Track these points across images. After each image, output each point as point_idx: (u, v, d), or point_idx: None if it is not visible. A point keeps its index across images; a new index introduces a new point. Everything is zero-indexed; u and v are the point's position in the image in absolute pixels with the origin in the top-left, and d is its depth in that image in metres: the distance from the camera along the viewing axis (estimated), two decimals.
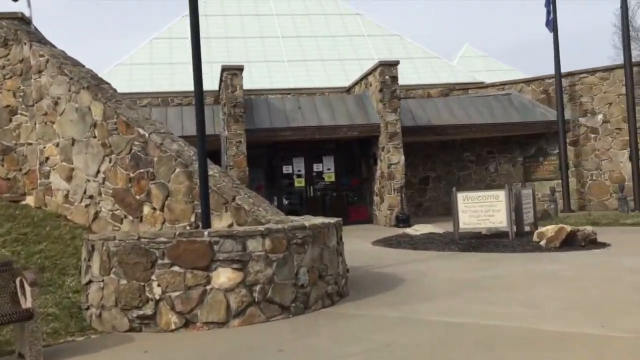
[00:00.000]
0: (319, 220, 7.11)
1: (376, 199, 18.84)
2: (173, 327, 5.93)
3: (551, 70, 19.93)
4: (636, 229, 13.04)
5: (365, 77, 19.43)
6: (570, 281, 7.17)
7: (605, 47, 66.04)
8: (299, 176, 19.11)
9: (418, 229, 13.08)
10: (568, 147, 19.87)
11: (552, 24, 20.10)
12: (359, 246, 12.54)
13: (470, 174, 21.80)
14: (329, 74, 22.43)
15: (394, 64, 18.01)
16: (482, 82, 22.49)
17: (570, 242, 10.19)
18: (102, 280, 6.22)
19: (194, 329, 5.92)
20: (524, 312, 5.82)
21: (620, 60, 20.24)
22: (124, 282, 6.07)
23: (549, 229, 10.29)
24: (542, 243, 10.26)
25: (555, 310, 5.79)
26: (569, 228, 10.16)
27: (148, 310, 5.97)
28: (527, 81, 21.27)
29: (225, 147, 17.33)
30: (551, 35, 20.01)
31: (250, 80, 21.20)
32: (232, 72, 17.26)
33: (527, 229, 11.69)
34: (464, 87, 22.12)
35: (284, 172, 19.16)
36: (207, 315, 5.94)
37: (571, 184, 19.84)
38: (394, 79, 17.87)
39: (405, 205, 17.76)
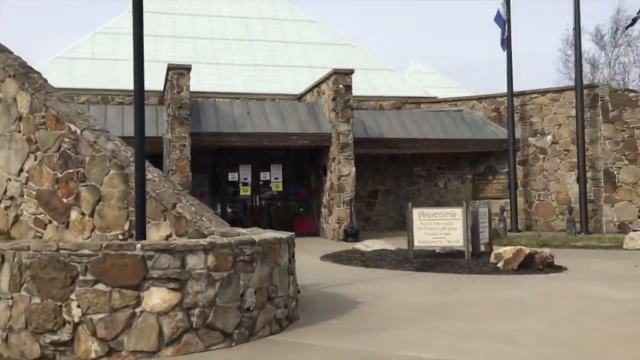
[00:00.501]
0: (269, 234, 6.37)
1: (324, 211, 18.21)
2: (93, 355, 5.04)
3: (500, 89, 19.91)
4: (587, 252, 12.87)
5: (318, 84, 18.84)
6: (540, 311, 6.68)
7: (549, 71, 68.02)
8: (244, 184, 18.28)
9: (369, 245, 12.49)
10: (517, 166, 19.82)
11: (506, 43, 20.10)
12: (308, 261, 11.82)
13: (419, 189, 21.50)
14: (280, 80, 21.73)
15: (349, 72, 17.49)
16: (434, 97, 22.30)
17: (527, 264, 9.80)
18: (11, 298, 5.28)
19: (118, 358, 5.05)
20: (496, 348, 5.23)
21: (564, 83, 20.60)
22: (37, 300, 5.15)
23: (507, 250, 9.87)
24: (500, 265, 9.83)
25: (531, 347, 5.23)
26: (527, 250, 9.77)
27: (64, 335, 5.07)
28: (479, 98, 21.18)
29: (168, 151, 16.33)
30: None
31: (198, 82, 20.25)
32: (178, 72, 16.32)
33: (482, 248, 11.27)
34: (417, 101, 21.85)
35: (230, 179, 18.29)
36: (135, 343, 5.09)
37: (519, 203, 19.78)
38: (348, 88, 17.35)
39: (355, 218, 17.19)
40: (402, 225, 21.73)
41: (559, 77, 36.81)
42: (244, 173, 18.30)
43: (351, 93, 17.39)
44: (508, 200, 20.05)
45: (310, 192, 19.32)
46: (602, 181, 19.03)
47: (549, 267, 10.00)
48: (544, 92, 20.32)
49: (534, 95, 20.30)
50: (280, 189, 18.54)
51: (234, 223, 18.99)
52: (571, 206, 17.96)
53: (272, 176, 18.51)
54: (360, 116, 19.48)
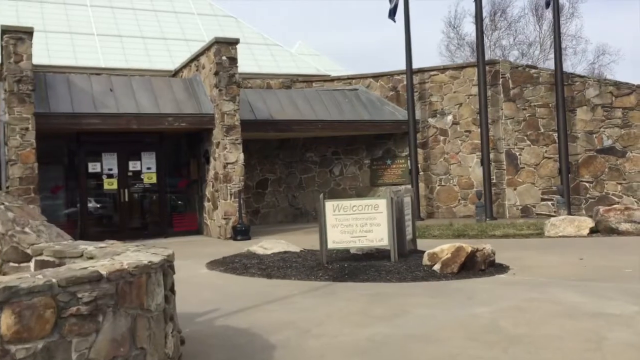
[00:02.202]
0: (132, 258, 3.79)
1: (208, 205, 15.57)
2: None
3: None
4: (511, 243, 11.40)
5: (196, 57, 16.07)
6: (532, 344, 4.69)
7: (432, 57, 68.68)
8: (109, 176, 15.15)
9: (268, 247, 10.14)
10: (417, 149, 18.33)
11: (394, 12, 18.51)
12: (190, 271, 9.27)
13: (313, 176, 19.43)
14: (150, 55, 18.64)
15: (233, 42, 14.93)
16: (327, 75, 20.28)
17: (468, 265, 7.96)
18: None
19: None
20: None
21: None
22: None
23: (444, 250, 7.96)
24: (437, 268, 7.90)
25: None
26: (468, 248, 7.91)
27: None
28: (376, 76, 19.45)
29: (6, 136, 12.91)
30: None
31: (48, 54, 16.78)
32: (16, 36, 12.89)
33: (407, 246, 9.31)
34: (308, 80, 19.71)
35: (91, 170, 15.07)
36: None
37: (419, 189, 18.33)
38: (233, 60, 14.79)
39: (244, 213, 14.75)
40: (296, 218, 19.65)
41: (442, 62, 36.39)
42: (109, 163, 15.17)
43: (236, 66, 14.86)
44: (409, 187, 18.53)
45: (190, 184, 16.56)
46: (505, 163, 18.04)
47: (492, 266, 8.24)
48: (443, 69, 18.99)
49: (433, 73, 18.90)
50: (154, 180, 15.62)
51: (98, 224, 15.91)
52: (480, 191, 16.70)
53: (144, 166, 15.53)
54: (245, 96, 17.01)
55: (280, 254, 9.83)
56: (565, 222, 12.46)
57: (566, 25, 34.10)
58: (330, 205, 8.52)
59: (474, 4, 17.90)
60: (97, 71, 17.04)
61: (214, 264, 9.80)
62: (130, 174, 15.42)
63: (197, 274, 9.13)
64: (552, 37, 18.69)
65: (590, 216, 13.93)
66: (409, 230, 9.23)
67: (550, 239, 11.91)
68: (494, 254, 8.31)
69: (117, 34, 18.85)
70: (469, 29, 54.63)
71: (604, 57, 36.73)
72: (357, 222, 8.45)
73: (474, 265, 8.00)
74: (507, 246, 10.63)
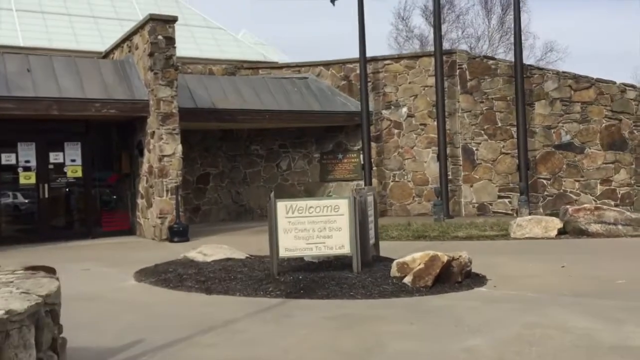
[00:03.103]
0: None
1: (141, 202, 13.96)
2: None
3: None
4: (477, 246, 10.38)
5: (129, 36, 14.38)
6: None
7: (381, 49, 67.82)
8: (26, 169, 13.31)
9: (208, 253, 8.73)
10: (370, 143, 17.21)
11: None
12: (113, 283, 7.81)
13: (259, 171, 18.04)
14: (77, 34, 16.76)
15: (170, 20, 13.36)
16: (275, 62, 18.89)
17: (443, 276, 6.83)
18: None
19: None
20: None
21: None
22: None
23: (417, 259, 6.80)
24: (407, 280, 6.73)
25: None
26: (444, 257, 6.78)
27: None
28: (327, 64, 18.20)
29: None
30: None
31: None
32: None
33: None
34: (254, 67, 18.27)
35: (4, 162, 13.20)
36: None
37: (372, 185, 17.22)
38: (170, 40, 13.23)
39: (182, 211, 13.25)
40: (240, 216, 18.19)
41: (391, 53, 35.45)
42: (25, 154, 13.32)
43: (174, 47, 13.30)
44: (361, 183, 17.44)
45: (121, 178, 14.88)
46: (461, 159, 17.17)
47: (468, 277, 7.14)
48: (398, 58, 17.93)
49: (387, 62, 17.81)
50: (80, 174, 13.87)
51: (14, 222, 14.00)
52: (439, 188, 15.73)
53: (67, 158, 13.75)
54: (185, 82, 15.45)
55: (222, 261, 8.44)
56: (532, 223, 11.59)
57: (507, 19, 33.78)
58: (282, 206, 7.21)
59: None
60: (15, 51, 15.04)
61: (144, 274, 8.33)
62: (51, 166, 13.61)
63: (122, 287, 7.65)
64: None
65: (551, 214, 13.20)
66: (371, 233, 8.02)
67: (517, 241, 11.00)
68: (471, 262, 7.22)
69: (39, 10, 16.85)
70: (417, 21, 54.28)
71: (551, 54, 36.72)
72: (314, 225, 7.17)
73: (449, 277, 6.88)
74: (474, 249, 9.55)
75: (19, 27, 15.99)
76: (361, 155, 17.36)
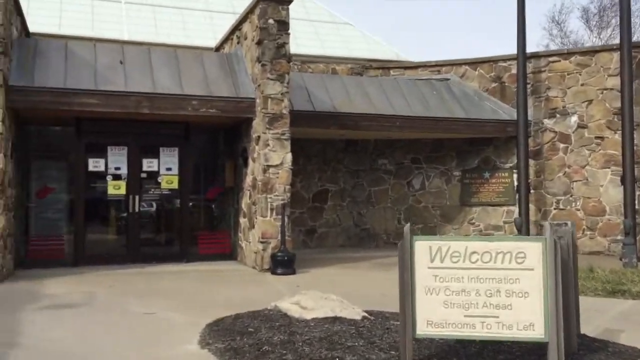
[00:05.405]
0: None
1: (243, 221, 11.56)
2: None
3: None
4: None
5: (238, 25, 12.17)
6: None
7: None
8: (116, 177, 11.41)
9: (308, 306, 5.92)
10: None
11: None
12: (165, 347, 5.23)
13: (386, 189, 15.10)
14: (187, 29, 14.94)
15: (285, 1, 10.90)
16: (410, 61, 15.93)
17: None
18: None
19: None
20: None
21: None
22: None
23: None
24: None
25: None
26: None
27: None
28: (474, 63, 14.92)
29: None
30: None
31: (59, 22, 13.35)
32: None
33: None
34: (385, 66, 15.45)
35: (92, 168, 11.39)
36: None
37: (529, 213, 13.61)
38: (283, 25, 10.75)
39: (289, 234, 10.64)
40: (362, 242, 15.32)
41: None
42: (116, 160, 11.44)
43: (287, 34, 10.80)
44: (513, 208, 13.94)
45: (223, 192, 12.64)
46: None
47: None
48: (567, 54, 14.22)
49: (552, 59, 14.19)
50: (175, 185, 11.77)
51: (98, 242, 11.94)
52: (629, 222, 11.80)
53: (162, 165, 11.71)
54: (303, 81, 12.99)
55: (326, 322, 5.57)
56: None
57: None
58: (424, 248, 4.20)
59: None
60: (121, 45, 13.45)
61: (215, 331, 5.69)
62: (144, 175, 11.63)
63: (174, 356, 5.03)
64: None
65: None
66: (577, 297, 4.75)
67: None
68: None
69: (149, 2, 15.26)
70: (574, 25, 49.19)
71: None
72: (479, 285, 4.10)
73: None
74: None
75: (125, 19, 14.43)
76: (514, 175, 13.89)
